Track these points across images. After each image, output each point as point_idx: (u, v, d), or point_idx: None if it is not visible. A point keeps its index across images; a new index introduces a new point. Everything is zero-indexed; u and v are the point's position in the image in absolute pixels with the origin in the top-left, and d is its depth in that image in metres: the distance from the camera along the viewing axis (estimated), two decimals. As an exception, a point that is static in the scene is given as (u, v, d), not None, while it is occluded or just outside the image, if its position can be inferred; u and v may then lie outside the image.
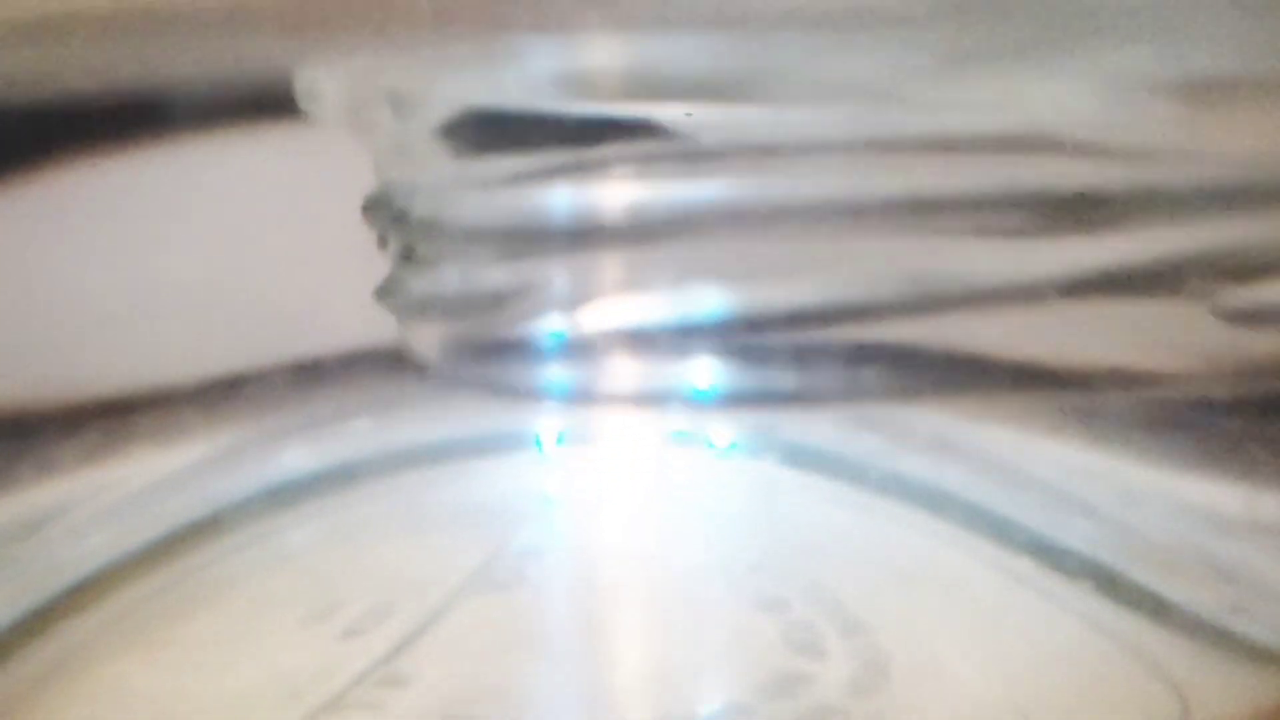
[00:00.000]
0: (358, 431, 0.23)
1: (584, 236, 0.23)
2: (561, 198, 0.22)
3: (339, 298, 0.23)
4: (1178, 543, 0.21)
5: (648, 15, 0.20)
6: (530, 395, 0.23)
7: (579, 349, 0.23)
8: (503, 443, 0.23)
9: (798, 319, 0.23)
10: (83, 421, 0.22)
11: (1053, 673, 0.19)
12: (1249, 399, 0.22)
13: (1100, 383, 0.22)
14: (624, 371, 0.23)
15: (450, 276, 0.23)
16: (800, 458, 0.23)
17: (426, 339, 0.23)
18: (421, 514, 0.23)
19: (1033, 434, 0.22)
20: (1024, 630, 0.20)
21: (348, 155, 0.22)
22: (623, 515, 0.23)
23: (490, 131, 0.22)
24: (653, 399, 0.23)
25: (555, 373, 0.23)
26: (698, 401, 0.23)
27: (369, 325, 0.23)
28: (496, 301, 0.23)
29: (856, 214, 0.22)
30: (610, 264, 0.23)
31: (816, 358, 0.23)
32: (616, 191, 0.22)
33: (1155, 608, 0.20)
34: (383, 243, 0.23)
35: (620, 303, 0.23)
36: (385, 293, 0.23)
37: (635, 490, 0.23)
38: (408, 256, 0.23)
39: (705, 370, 0.23)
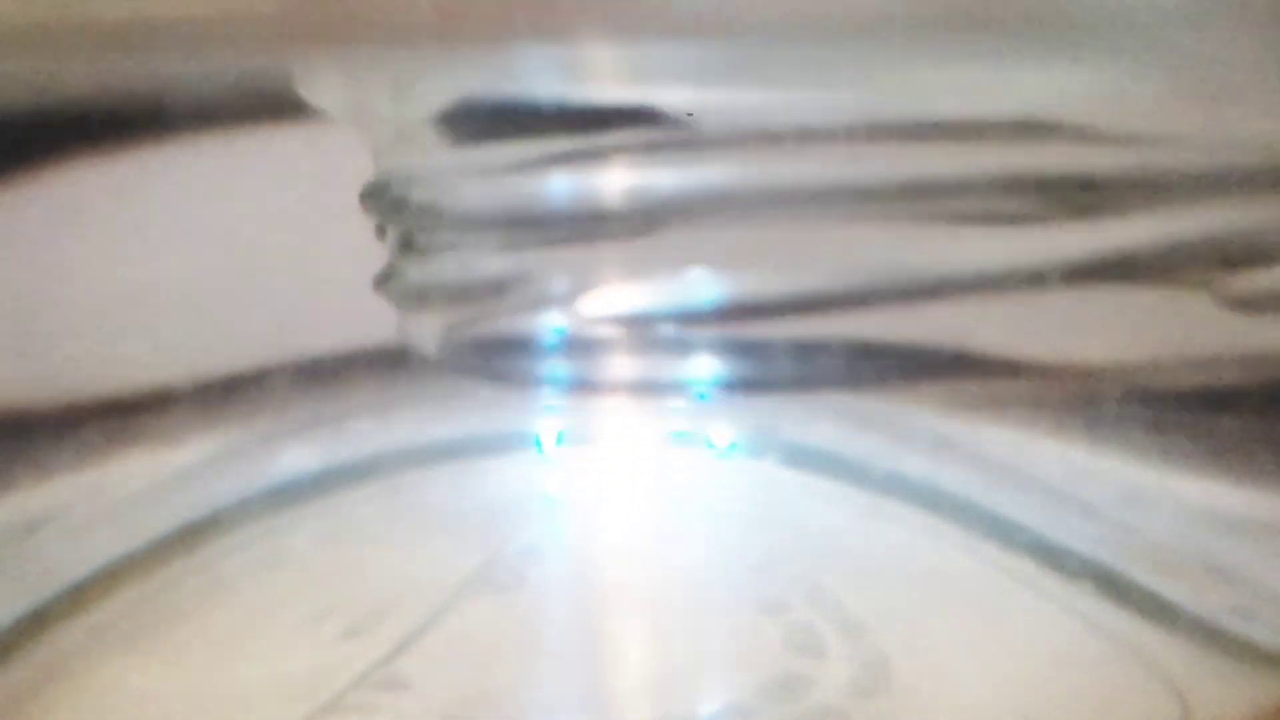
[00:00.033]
0: (358, 431, 0.23)
1: (584, 224, 0.23)
2: (561, 185, 0.22)
3: (339, 298, 0.23)
4: (1178, 543, 0.21)
5: (647, 20, 0.20)
6: (529, 386, 0.23)
7: (578, 338, 0.23)
8: (503, 443, 0.23)
9: (798, 306, 0.22)
10: (82, 422, 0.22)
11: (1053, 674, 0.19)
12: (1249, 398, 0.22)
13: (1102, 374, 0.22)
14: (623, 362, 0.23)
15: (449, 265, 0.23)
16: (800, 458, 0.23)
17: (425, 329, 0.23)
18: (421, 514, 0.23)
19: (1033, 434, 0.22)
20: (1024, 631, 0.20)
21: (348, 156, 0.22)
22: (623, 516, 0.23)
23: (489, 119, 0.22)
24: (652, 389, 0.23)
25: (554, 363, 0.23)
26: (697, 393, 0.23)
27: (369, 325, 0.23)
28: (496, 290, 0.23)
29: (857, 201, 0.22)
30: (610, 252, 0.23)
31: (816, 351, 0.23)
32: (616, 178, 0.22)
33: (1156, 608, 0.20)
34: (381, 232, 0.23)
35: (620, 291, 0.23)
36: (384, 282, 0.23)
37: (635, 491, 0.23)
38: (406, 245, 0.23)
39: (705, 363, 0.23)
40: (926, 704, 0.19)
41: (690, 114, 0.22)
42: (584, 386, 0.23)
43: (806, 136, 0.22)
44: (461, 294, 0.23)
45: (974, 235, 0.22)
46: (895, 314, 0.22)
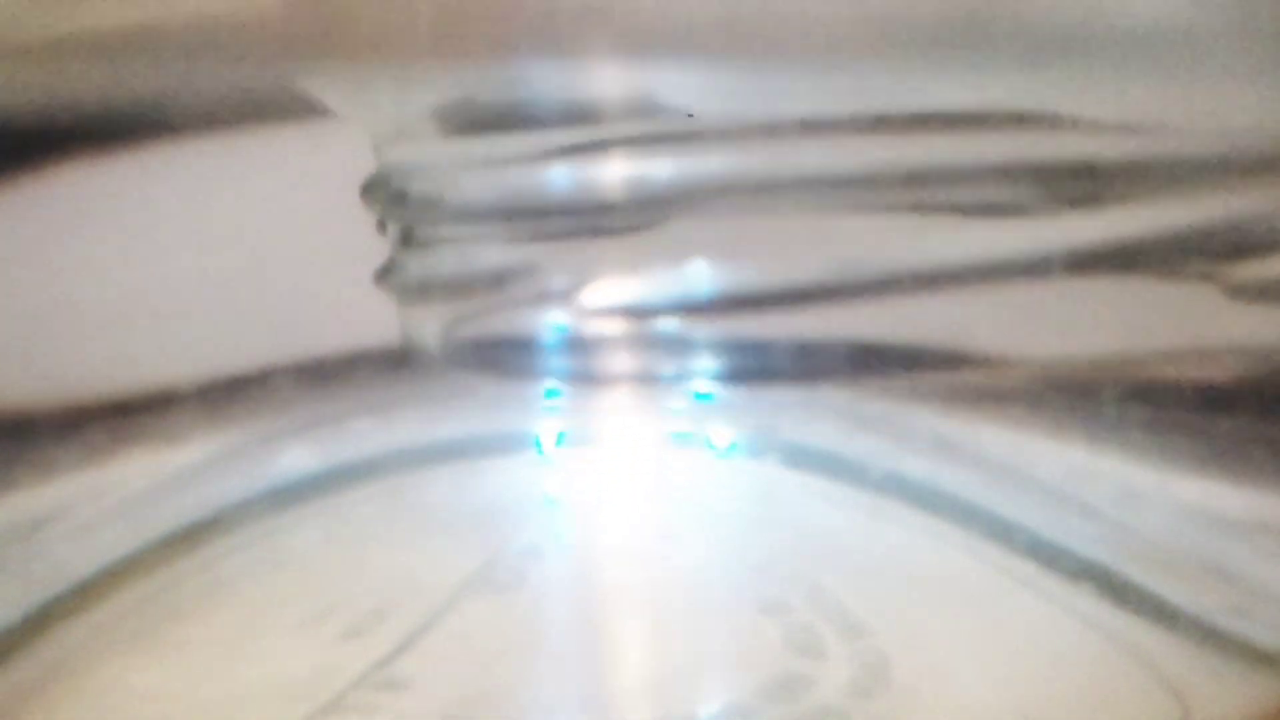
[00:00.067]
0: (359, 431, 0.23)
1: (584, 216, 0.23)
2: (561, 178, 0.22)
3: (341, 299, 0.23)
4: (1178, 544, 0.21)
5: (651, 37, 0.21)
6: (530, 380, 0.23)
7: (578, 332, 0.23)
8: (503, 443, 0.23)
9: (799, 298, 0.22)
10: (83, 422, 0.22)
11: (1053, 674, 0.19)
12: (1248, 399, 0.22)
13: (1103, 364, 0.22)
14: (623, 356, 0.23)
15: (449, 258, 0.23)
16: (801, 458, 0.23)
17: (426, 323, 0.23)
18: (422, 515, 0.23)
19: (1033, 434, 0.22)
20: (1024, 632, 0.20)
21: (350, 158, 0.22)
22: (623, 516, 0.23)
23: (489, 112, 0.22)
24: (652, 383, 0.23)
25: (555, 358, 0.23)
26: (697, 391, 0.23)
27: (371, 325, 0.23)
28: (496, 282, 0.23)
29: (857, 192, 0.22)
30: (610, 244, 0.23)
31: (816, 343, 0.23)
32: (616, 171, 0.22)
33: (1155, 609, 0.20)
34: (382, 226, 0.23)
35: (620, 283, 0.23)
36: (385, 275, 0.23)
37: (636, 491, 0.23)
38: (407, 238, 0.23)
39: (705, 358, 0.23)
40: (926, 704, 0.19)
41: (690, 115, 0.22)
42: (585, 381, 0.23)
43: (806, 128, 0.22)
44: (462, 287, 0.23)
45: (975, 225, 0.22)
46: (895, 305, 0.22)
